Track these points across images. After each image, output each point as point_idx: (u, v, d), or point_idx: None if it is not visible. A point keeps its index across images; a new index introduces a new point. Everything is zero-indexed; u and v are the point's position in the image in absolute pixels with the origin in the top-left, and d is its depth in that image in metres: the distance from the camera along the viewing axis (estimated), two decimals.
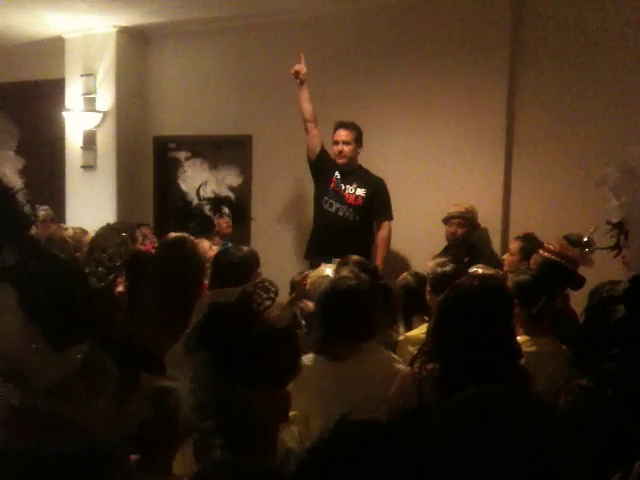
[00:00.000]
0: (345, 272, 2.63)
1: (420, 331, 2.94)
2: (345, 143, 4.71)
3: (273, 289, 1.46)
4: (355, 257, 3.21)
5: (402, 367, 2.42)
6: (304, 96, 4.73)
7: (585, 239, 3.53)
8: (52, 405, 1.02)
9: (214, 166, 4.90)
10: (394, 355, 2.58)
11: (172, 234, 3.02)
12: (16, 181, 3.88)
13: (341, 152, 4.71)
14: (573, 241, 3.53)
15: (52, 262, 2.42)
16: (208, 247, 3.91)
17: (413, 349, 2.72)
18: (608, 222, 2.79)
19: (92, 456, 1.04)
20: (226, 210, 4.75)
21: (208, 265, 3.51)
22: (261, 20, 5.67)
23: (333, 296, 2.41)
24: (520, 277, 2.95)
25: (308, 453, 1.00)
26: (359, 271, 2.63)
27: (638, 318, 1.35)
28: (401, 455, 0.94)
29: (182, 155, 6.00)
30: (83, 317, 1.73)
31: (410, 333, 3.06)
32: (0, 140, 3.88)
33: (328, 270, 3.17)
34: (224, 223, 4.74)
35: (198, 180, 4.78)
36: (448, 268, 3.02)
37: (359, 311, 2.40)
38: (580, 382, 1.91)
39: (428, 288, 3.05)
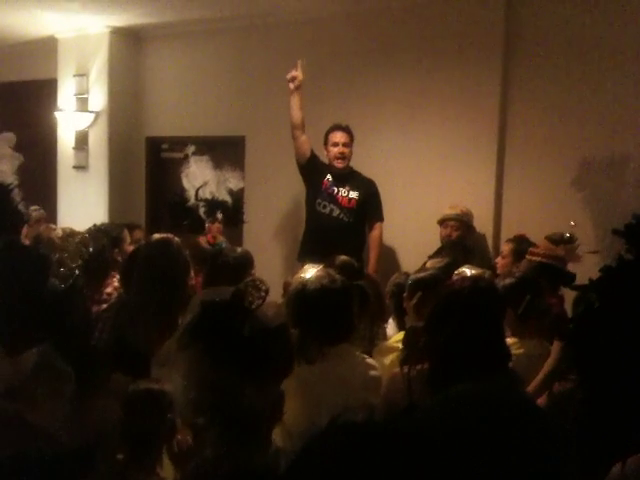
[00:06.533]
0: (319, 272, 2.51)
1: (397, 338, 2.89)
2: (345, 145, 4.72)
3: (264, 287, 1.47)
4: (342, 257, 3.18)
5: (377, 374, 2.35)
6: (295, 102, 4.70)
7: (567, 235, 3.57)
8: (8, 406, 1.02)
9: (218, 165, 4.89)
10: (370, 361, 2.43)
11: (157, 235, 3.03)
12: (13, 178, 3.87)
13: (342, 154, 4.71)
14: (555, 240, 3.58)
15: (13, 267, 2.32)
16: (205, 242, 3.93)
17: (386, 357, 2.68)
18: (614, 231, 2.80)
19: (49, 458, 1.04)
20: (219, 216, 4.76)
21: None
22: (254, 22, 5.68)
23: (302, 296, 2.31)
24: (505, 281, 2.96)
25: (300, 452, 1.00)
26: (334, 272, 2.51)
27: (610, 307, 1.37)
28: (393, 453, 0.95)
29: (189, 150, 6.00)
30: (39, 321, 1.70)
31: (386, 342, 2.96)
32: None
33: (312, 270, 3.11)
34: (215, 229, 4.74)
35: (200, 178, 4.78)
36: (423, 274, 2.96)
37: (330, 312, 2.29)
38: (567, 381, 1.93)
39: (405, 293, 2.96)
